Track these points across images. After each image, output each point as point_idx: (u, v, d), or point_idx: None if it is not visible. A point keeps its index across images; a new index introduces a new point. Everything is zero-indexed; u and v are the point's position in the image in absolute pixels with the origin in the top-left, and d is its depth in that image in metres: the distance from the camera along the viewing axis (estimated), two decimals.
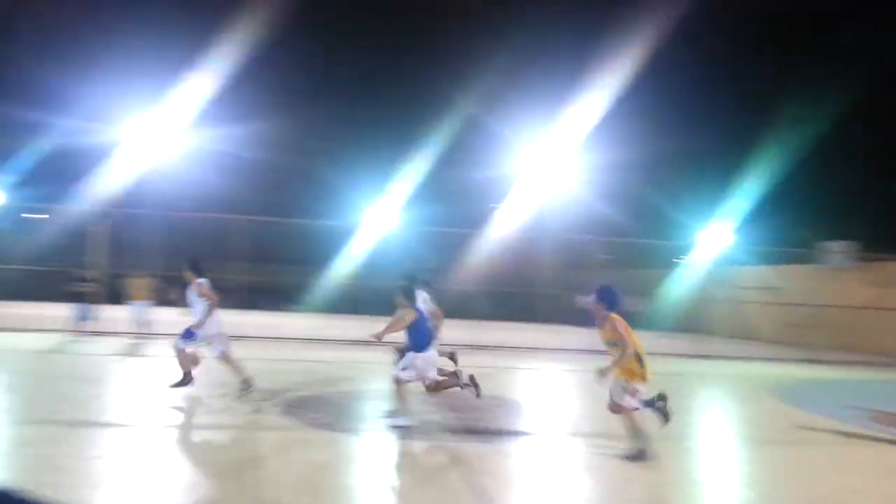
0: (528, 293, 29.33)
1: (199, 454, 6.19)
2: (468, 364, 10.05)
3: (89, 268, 17.13)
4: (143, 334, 15.32)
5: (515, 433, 7.97)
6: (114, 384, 10.05)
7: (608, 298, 6.59)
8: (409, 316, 7.57)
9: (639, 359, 6.38)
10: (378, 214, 20.85)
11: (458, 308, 17.99)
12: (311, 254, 25.96)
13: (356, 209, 21.46)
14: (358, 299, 26.26)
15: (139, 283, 15.79)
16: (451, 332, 11.73)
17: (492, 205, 27.60)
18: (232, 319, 12.89)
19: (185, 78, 21.79)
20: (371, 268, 24.27)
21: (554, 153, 24.67)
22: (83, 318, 15.69)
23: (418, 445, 6.87)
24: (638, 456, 6.26)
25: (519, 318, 26.74)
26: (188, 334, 8.67)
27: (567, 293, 23.06)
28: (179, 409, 8.07)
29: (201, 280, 8.87)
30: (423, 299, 9.29)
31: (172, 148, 22.46)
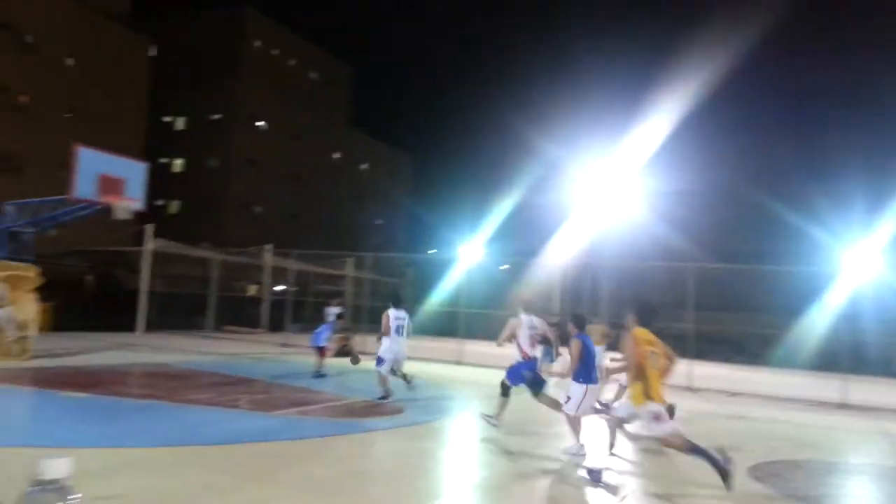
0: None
1: None
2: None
3: (551, 314, 18.47)
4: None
5: None
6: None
7: (642, 312, 6.51)
8: (575, 346, 7.53)
9: (643, 377, 6.10)
10: (857, 259, 17.82)
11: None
12: (776, 302, 23.67)
13: (829, 254, 18.84)
14: (836, 354, 22.89)
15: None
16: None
17: None
18: (680, 369, 12.22)
19: (636, 123, 22.46)
20: (850, 320, 20.91)
21: None
22: (546, 359, 16.84)
23: None
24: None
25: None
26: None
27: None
28: (645, 455, 7.82)
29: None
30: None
31: (627, 196, 23.10)
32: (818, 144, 41.27)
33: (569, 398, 7.74)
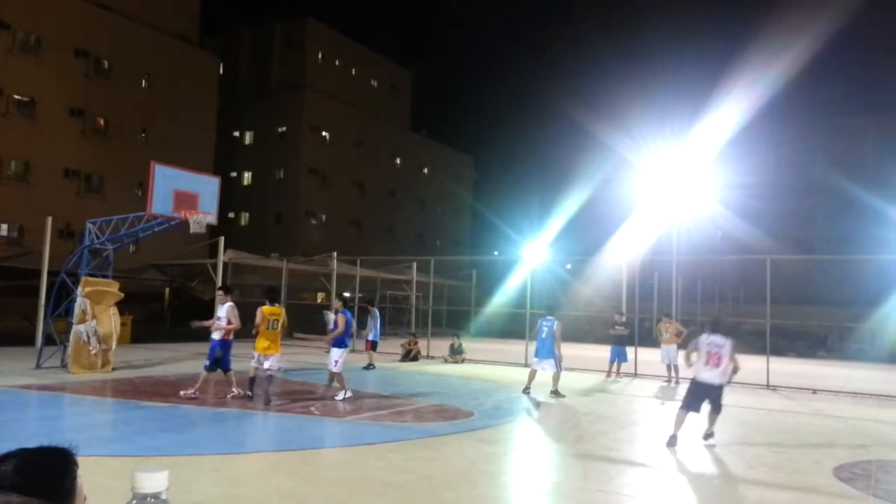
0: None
1: None
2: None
3: (623, 313, 18.17)
4: (673, 377, 15.37)
5: None
6: (647, 425, 10.15)
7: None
8: None
9: None
10: None
11: None
12: (858, 293, 22.60)
13: None
14: None
15: (668, 327, 15.99)
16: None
17: None
18: (752, 367, 11.81)
19: (704, 115, 21.87)
20: None
21: None
22: (617, 359, 16.58)
23: None
24: None
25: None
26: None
27: None
28: (720, 458, 7.61)
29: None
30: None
31: (697, 189, 22.49)
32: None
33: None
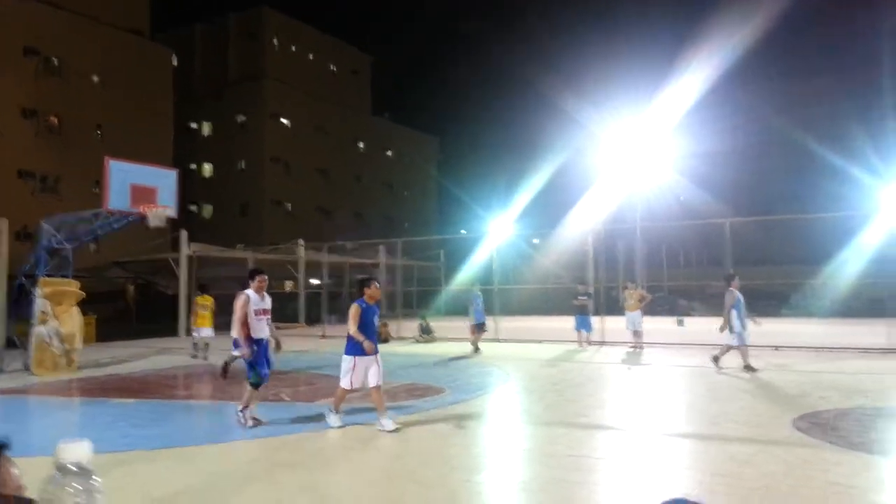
0: None
1: (708, 464, 5.77)
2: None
3: (585, 283, 18.39)
4: (639, 343, 15.66)
5: None
6: (615, 390, 10.36)
7: None
8: None
9: None
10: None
11: None
12: (816, 251, 23.15)
13: (868, 195, 18.35)
14: (874, 300, 22.38)
15: (632, 294, 16.26)
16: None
17: None
18: (716, 328, 12.11)
19: (663, 87, 22.08)
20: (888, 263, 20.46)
21: None
22: (583, 329, 16.81)
23: None
24: None
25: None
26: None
27: None
28: (692, 415, 7.82)
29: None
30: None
31: (656, 158, 22.75)
32: (853, 85, 40.11)
33: None
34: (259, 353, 7.57)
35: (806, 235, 24.73)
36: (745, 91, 41.53)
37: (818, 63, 42.18)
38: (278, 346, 8.17)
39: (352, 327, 7.24)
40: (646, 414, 8.09)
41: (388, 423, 7.08)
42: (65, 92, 33.26)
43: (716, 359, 11.83)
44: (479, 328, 16.14)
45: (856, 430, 6.95)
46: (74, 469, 0.82)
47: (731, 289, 11.63)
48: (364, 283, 7.53)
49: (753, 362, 11.61)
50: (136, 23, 38.33)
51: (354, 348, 7.24)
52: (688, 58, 30.99)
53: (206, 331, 14.77)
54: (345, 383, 7.28)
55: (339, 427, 7.28)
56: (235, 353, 10.63)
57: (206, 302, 14.85)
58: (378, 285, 7.59)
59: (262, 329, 7.68)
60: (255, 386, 7.52)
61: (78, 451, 0.83)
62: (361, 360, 7.21)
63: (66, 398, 10.55)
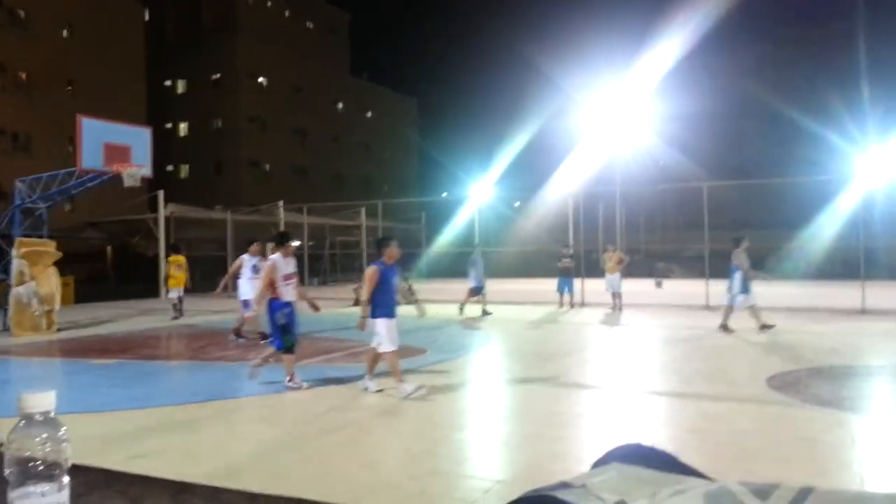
0: None
1: (681, 421, 5.89)
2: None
3: (569, 245, 18.48)
4: (617, 304, 15.83)
5: None
6: (593, 350, 10.49)
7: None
8: None
9: None
10: (873, 162, 17.49)
11: None
12: (791, 215, 23.40)
13: (843, 160, 18.50)
14: (848, 262, 22.75)
15: (611, 256, 16.37)
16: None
17: None
18: (693, 290, 12.26)
19: (643, 49, 21.95)
20: (865, 226, 20.76)
21: None
22: (567, 289, 16.94)
23: None
24: None
25: None
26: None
27: None
28: (668, 374, 7.95)
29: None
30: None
31: (636, 122, 22.71)
32: (829, 49, 40.14)
33: None
34: (290, 317, 7.47)
35: (782, 199, 24.98)
36: (724, 55, 41.44)
37: (796, 28, 42.07)
38: (316, 307, 8.10)
39: (365, 292, 6.97)
40: (623, 373, 8.22)
41: (407, 387, 6.71)
42: (32, 46, 32.29)
43: (763, 326, 11.43)
44: (476, 292, 15.46)
45: (827, 388, 7.13)
46: (40, 418, 0.80)
47: (740, 250, 11.53)
48: (382, 244, 7.17)
49: (728, 323, 11.77)
50: None
51: (385, 309, 6.93)
52: (666, 21, 30.83)
53: (180, 290, 14.93)
54: (390, 346, 6.88)
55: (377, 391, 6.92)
56: (247, 313, 10.69)
57: (178, 261, 14.87)
58: (398, 244, 7.22)
59: (291, 293, 7.58)
60: (290, 349, 7.42)
61: (43, 400, 0.81)
62: (392, 321, 6.94)
63: (46, 358, 10.51)
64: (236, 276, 11.34)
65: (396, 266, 7.29)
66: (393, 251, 7.09)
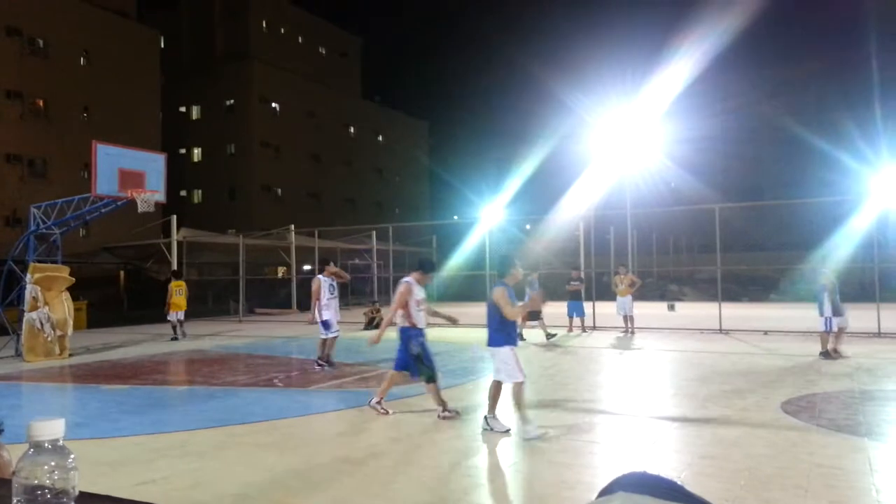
0: None
1: (695, 447, 5.81)
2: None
3: (578, 268, 18.43)
4: (629, 328, 15.73)
5: None
6: (605, 374, 10.41)
7: None
8: None
9: None
10: (887, 183, 17.37)
11: None
12: (805, 236, 23.23)
13: (857, 180, 18.39)
14: (863, 284, 22.53)
15: (622, 279, 16.31)
16: None
17: None
18: (707, 313, 12.13)
19: (654, 72, 22.05)
20: (881, 248, 20.61)
21: None
22: (575, 314, 16.80)
23: None
24: None
25: None
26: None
27: None
28: (681, 399, 7.86)
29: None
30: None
31: (648, 143, 22.73)
32: (841, 71, 40.16)
33: None
34: (424, 346, 7.18)
35: (795, 221, 24.84)
36: (735, 77, 41.54)
37: (807, 49, 42.14)
38: (454, 321, 7.81)
39: (508, 312, 6.29)
40: (635, 397, 8.14)
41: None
42: (50, 73, 32.83)
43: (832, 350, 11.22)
44: (534, 317, 14.65)
45: (843, 412, 7.02)
46: (49, 446, 0.81)
47: (828, 270, 11.41)
48: (508, 263, 6.74)
49: (743, 347, 11.63)
50: (120, 2, 37.84)
51: (508, 337, 6.45)
52: (678, 43, 30.99)
53: (180, 314, 16.44)
54: (518, 376, 6.37)
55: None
56: (328, 335, 10.72)
57: (179, 286, 16.57)
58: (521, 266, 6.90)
59: (423, 319, 7.35)
60: (432, 379, 7.07)
61: (52, 428, 0.82)
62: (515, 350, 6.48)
63: (58, 384, 10.53)
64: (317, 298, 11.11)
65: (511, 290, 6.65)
66: (518, 273, 6.74)
